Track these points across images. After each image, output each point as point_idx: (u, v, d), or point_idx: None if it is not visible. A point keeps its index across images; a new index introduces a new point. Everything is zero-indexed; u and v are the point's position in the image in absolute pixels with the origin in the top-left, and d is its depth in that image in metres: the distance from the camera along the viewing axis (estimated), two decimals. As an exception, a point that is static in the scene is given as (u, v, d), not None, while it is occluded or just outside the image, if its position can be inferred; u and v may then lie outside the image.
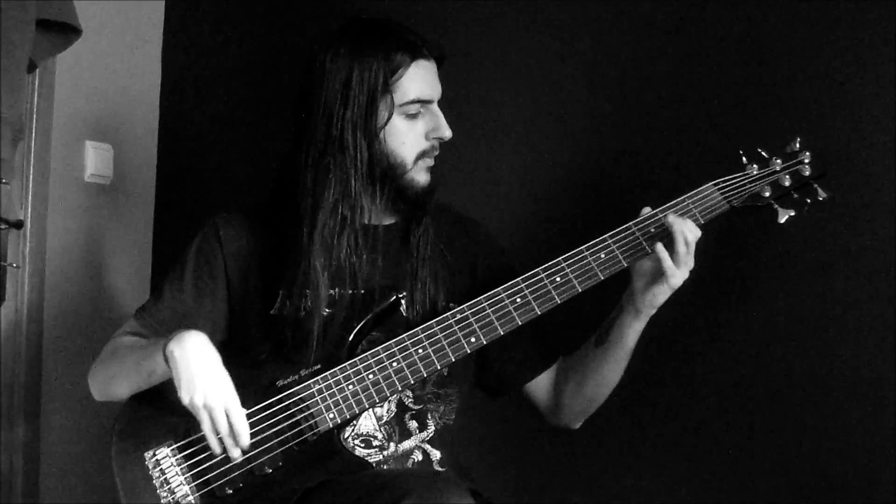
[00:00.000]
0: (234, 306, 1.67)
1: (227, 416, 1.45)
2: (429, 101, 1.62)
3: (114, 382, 1.60)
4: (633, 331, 1.59)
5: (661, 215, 1.55)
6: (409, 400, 1.62)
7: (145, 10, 2.52)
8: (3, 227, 1.99)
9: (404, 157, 1.61)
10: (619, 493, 1.97)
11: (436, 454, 1.63)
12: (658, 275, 1.53)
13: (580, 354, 1.67)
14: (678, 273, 1.51)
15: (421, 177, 1.63)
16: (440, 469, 1.62)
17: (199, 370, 1.44)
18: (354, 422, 1.58)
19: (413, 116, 1.61)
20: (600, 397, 1.67)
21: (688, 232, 1.51)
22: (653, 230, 1.55)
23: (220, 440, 1.46)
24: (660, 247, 1.52)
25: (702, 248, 1.53)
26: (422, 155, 1.62)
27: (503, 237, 1.81)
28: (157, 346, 1.50)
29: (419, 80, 1.60)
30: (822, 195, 1.57)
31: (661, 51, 1.95)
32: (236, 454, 1.47)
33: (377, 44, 1.59)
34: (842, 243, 1.76)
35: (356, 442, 1.58)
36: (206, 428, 1.45)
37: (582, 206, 2.01)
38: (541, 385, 1.71)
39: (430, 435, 1.63)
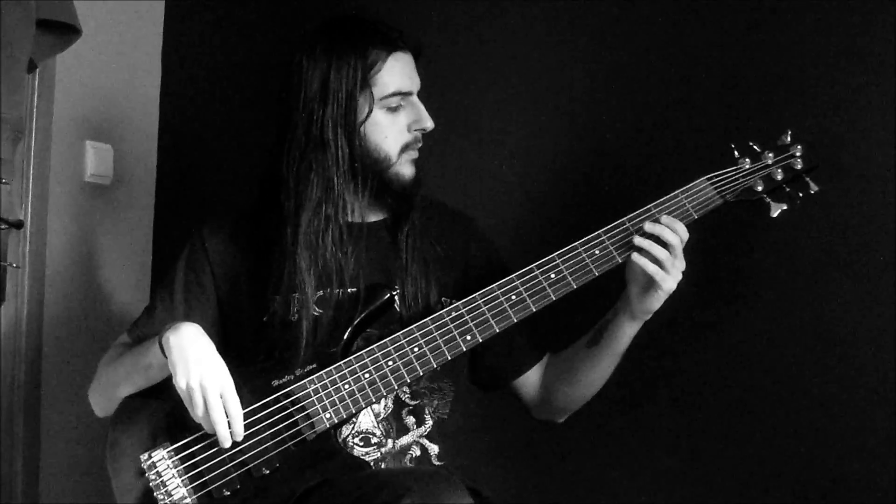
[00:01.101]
0: (224, 315, 1.68)
1: (223, 401, 1.45)
2: (408, 94, 1.62)
3: (113, 390, 1.60)
4: (626, 334, 1.59)
5: (654, 210, 1.54)
6: (406, 396, 1.62)
7: (145, 10, 2.52)
8: (3, 227, 1.98)
9: (388, 151, 1.61)
10: (619, 492, 1.97)
11: (434, 448, 1.63)
12: (652, 281, 1.52)
13: (571, 353, 1.67)
14: (668, 278, 1.50)
15: (406, 170, 1.63)
16: (439, 463, 1.63)
17: (195, 354, 1.45)
18: (354, 419, 1.58)
19: (394, 109, 1.61)
20: (588, 395, 1.68)
21: (669, 236, 1.50)
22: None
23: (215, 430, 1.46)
24: (636, 256, 1.51)
25: (695, 245, 1.52)
26: (405, 147, 1.62)
27: (497, 234, 1.81)
28: (153, 340, 1.51)
29: (398, 73, 1.60)
30: (813, 188, 1.57)
31: (652, 45, 1.95)
32: (228, 444, 1.46)
33: (353, 40, 1.59)
34: (837, 238, 1.76)
35: (356, 440, 1.58)
36: (199, 413, 1.44)
37: (576, 202, 2.00)
38: (529, 380, 1.71)
39: (428, 429, 1.63)
